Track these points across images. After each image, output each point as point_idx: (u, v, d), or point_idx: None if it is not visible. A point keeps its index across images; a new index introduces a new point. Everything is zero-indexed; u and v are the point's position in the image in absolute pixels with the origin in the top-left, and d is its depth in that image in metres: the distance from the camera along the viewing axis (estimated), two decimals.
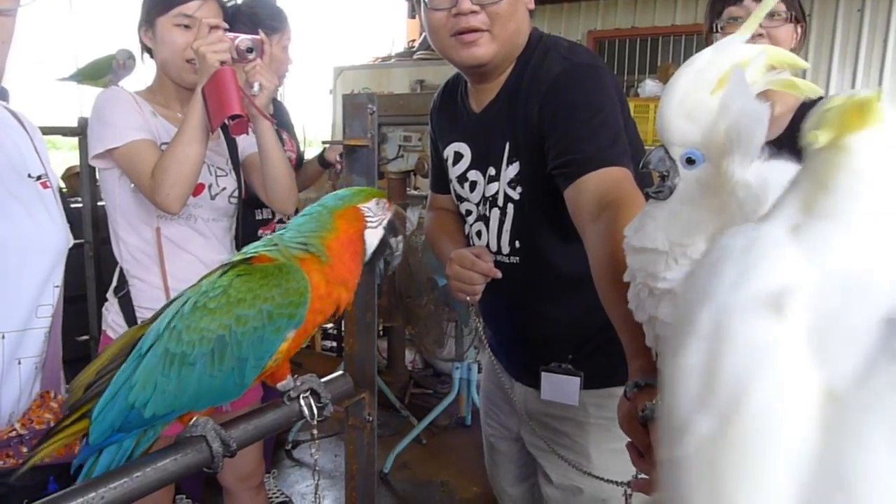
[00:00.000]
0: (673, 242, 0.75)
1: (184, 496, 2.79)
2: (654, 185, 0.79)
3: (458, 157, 1.47)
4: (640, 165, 0.80)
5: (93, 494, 0.71)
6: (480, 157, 1.42)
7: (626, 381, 0.88)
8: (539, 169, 1.29)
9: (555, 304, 1.40)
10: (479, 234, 1.45)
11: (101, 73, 2.54)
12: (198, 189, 1.71)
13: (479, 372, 3.63)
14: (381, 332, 4.04)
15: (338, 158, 2.58)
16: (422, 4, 1.33)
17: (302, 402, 1.02)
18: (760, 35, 1.50)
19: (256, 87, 1.62)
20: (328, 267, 0.94)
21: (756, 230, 0.55)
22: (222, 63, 1.54)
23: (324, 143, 2.75)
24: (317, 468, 1.13)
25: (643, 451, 0.84)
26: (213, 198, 1.75)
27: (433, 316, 3.29)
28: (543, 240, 1.36)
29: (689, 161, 0.74)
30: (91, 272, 2.71)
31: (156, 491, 0.79)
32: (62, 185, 3.64)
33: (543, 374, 1.39)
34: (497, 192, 1.37)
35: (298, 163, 2.64)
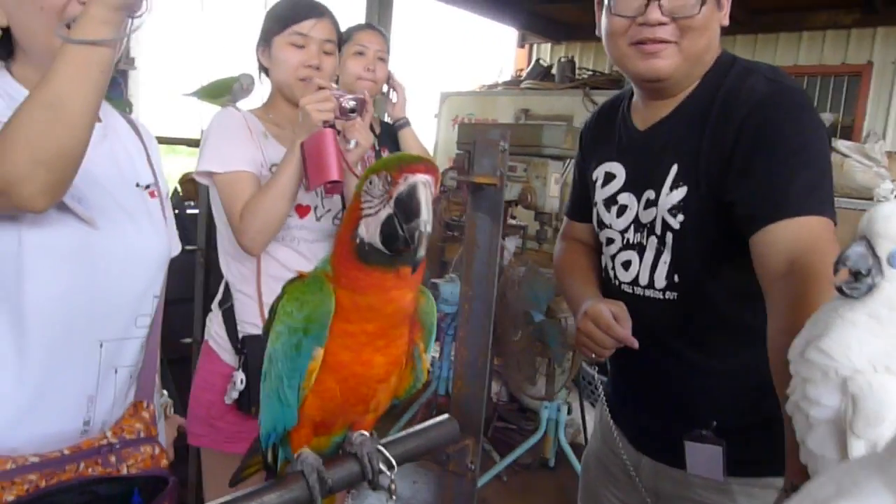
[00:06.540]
0: (872, 359, 0.63)
1: None
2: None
3: (608, 177, 1.33)
4: (835, 262, 0.68)
5: None
6: (637, 178, 1.27)
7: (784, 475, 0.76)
8: (712, 198, 1.15)
9: (710, 354, 1.21)
10: (626, 264, 1.28)
11: (222, 93, 2.61)
12: (304, 211, 1.71)
13: (569, 413, 3.48)
14: None
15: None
16: (603, 6, 1.22)
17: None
18: None
19: (353, 143, 1.64)
20: (336, 280, 0.83)
21: None
22: (325, 122, 1.56)
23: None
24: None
25: None
26: (318, 219, 1.74)
27: (526, 352, 3.18)
28: (707, 277, 1.19)
29: None
30: (200, 278, 2.78)
31: None
32: (178, 189, 3.79)
33: (687, 445, 1.19)
34: (654, 219, 1.23)
35: None
